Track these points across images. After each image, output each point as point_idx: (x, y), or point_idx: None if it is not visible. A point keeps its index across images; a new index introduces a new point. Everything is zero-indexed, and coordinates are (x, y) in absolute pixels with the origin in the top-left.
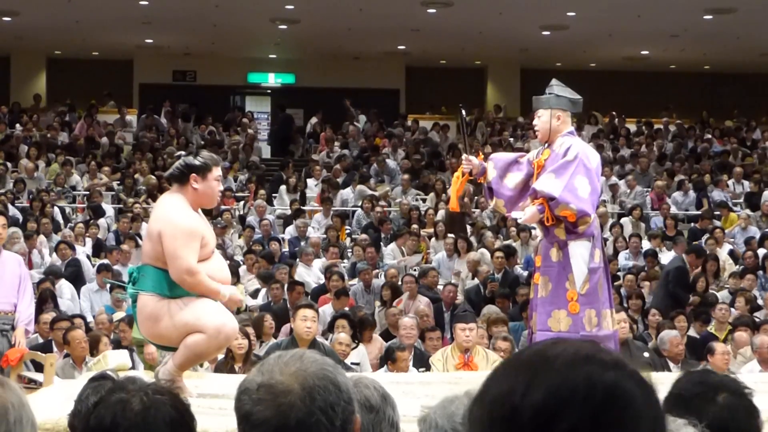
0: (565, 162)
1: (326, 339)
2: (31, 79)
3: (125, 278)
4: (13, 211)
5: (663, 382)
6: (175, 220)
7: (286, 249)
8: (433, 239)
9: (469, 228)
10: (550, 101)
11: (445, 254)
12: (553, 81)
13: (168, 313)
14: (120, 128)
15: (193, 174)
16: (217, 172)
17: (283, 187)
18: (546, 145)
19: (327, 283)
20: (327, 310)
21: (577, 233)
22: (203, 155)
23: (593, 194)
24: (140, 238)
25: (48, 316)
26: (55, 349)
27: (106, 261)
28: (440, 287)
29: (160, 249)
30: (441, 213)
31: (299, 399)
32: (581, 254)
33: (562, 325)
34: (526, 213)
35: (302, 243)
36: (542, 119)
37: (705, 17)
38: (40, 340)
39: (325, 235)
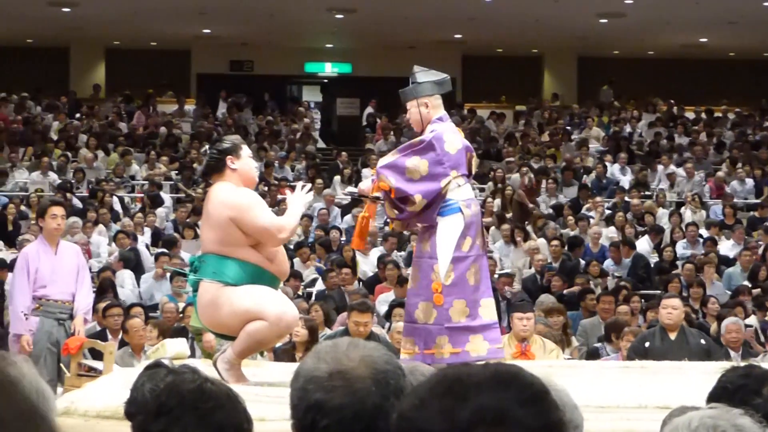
0: (410, 143)
1: (383, 328)
2: (90, 70)
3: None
4: (73, 201)
5: (717, 372)
6: (240, 198)
7: (344, 238)
8: (492, 228)
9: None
10: (415, 91)
11: (503, 242)
12: (414, 68)
13: (228, 300)
14: (178, 118)
15: (228, 156)
16: (247, 150)
17: (337, 177)
18: (420, 134)
19: (381, 273)
20: (383, 299)
21: (407, 212)
22: (228, 138)
23: (429, 181)
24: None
25: (105, 304)
26: (109, 336)
27: (163, 249)
28: (496, 276)
29: (234, 234)
30: (498, 202)
31: (374, 384)
32: (446, 244)
33: (429, 317)
34: (363, 184)
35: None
36: (411, 111)
37: (764, 3)
38: (98, 329)
39: (383, 225)
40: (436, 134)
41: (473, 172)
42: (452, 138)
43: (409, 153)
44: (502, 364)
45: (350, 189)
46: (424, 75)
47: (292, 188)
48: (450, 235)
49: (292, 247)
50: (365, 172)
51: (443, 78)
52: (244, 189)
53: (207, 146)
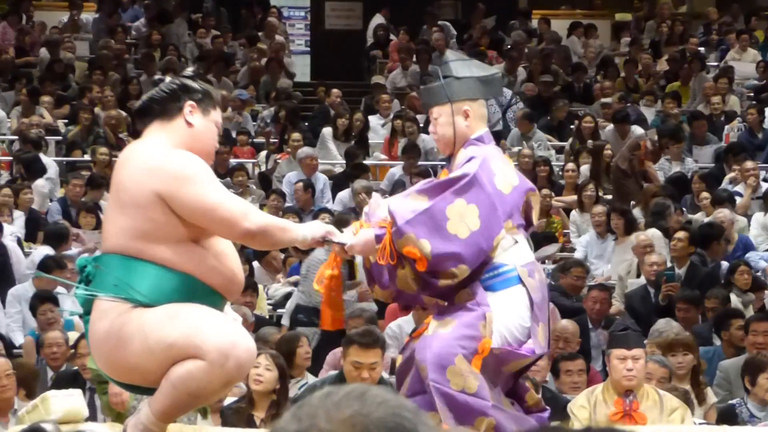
0: (447, 179)
1: None
2: None
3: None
4: None
5: None
6: (179, 163)
7: None
8: (574, 212)
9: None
10: (449, 90)
11: (595, 234)
12: (447, 54)
13: (140, 329)
14: (69, 34)
15: (191, 102)
16: (219, 114)
17: (327, 130)
18: (447, 160)
19: None
20: (398, 326)
21: (436, 288)
22: (204, 84)
23: (481, 235)
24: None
25: None
26: None
27: (48, 250)
28: (583, 291)
29: (160, 220)
30: (586, 168)
31: None
32: (514, 309)
33: (468, 382)
34: (358, 236)
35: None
36: (440, 121)
37: None
38: None
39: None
40: (483, 164)
41: (535, 222)
42: (504, 169)
43: (448, 196)
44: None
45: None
46: (464, 66)
47: (254, 147)
48: (509, 322)
49: None
50: (373, 122)
51: (492, 74)
52: (186, 153)
53: (166, 77)
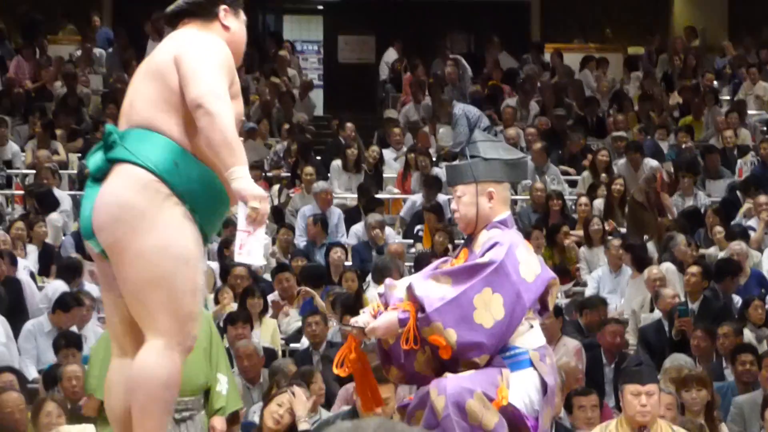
0: (474, 264)
1: None
2: None
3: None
4: None
5: None
6: (207, 45)
7: (348, 262)
8: (583, 248)
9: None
10: (476, 170)
11: (607, 269)
12: (477, 134)
13: (163, 217)
14: (83, 67)
15: (224, 5)
16: (244, 17)
17: (336, 163)
18: (467, 239)
19: None
20: None
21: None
22: None
23: (504, 324)
24: None
25: None
26: None
27: (61, 284)
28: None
29: (173, 84)
30: (600, 202)
31: None
32: (526, 391)
33: (485, 418)
34: (380, 319)
35: (373, 253)
36: (464, 200)
37: None
38: None
39: (414, 243)
40: (509, 252)
41: (551, 308)
42: (528, 258)
43: (476, 284)
44: None
45: (356, 322)
46: (492, 148)
47: (267, 181)
48: (520, 402)
49: (268, 276)
50: (386, 155)
51: (519, 158)
52: (215, 37)
53: None
